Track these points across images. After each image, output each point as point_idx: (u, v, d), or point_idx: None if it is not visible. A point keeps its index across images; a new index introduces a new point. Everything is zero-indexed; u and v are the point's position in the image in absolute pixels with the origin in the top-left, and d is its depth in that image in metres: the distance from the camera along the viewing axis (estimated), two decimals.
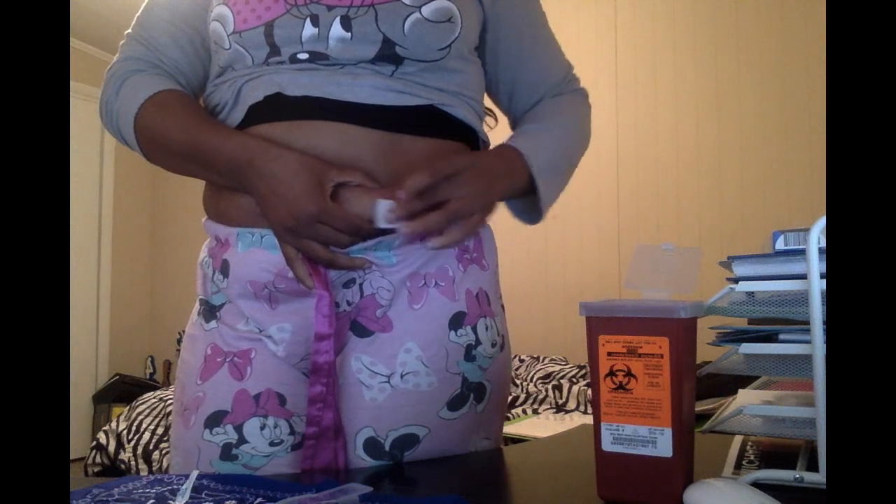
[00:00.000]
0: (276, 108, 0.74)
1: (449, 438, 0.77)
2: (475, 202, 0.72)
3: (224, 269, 0.78)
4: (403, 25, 0.73)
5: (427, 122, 0.76)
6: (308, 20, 0.73)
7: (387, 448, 0.74)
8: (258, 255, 0.75)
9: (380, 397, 0.75)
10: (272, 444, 0.74)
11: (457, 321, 0.78)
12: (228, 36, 0.75)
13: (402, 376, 0.75)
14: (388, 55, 0.74)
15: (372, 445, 0.75)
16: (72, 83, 4.09)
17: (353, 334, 0.77)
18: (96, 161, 4.43)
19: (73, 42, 4.22)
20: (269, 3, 0.74)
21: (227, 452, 0.73)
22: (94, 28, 4.11)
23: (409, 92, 0.75)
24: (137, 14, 0.86)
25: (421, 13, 0.73)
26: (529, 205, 0.86)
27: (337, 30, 0.73)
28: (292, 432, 0.75)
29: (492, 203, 0.76)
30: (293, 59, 0.74)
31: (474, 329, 0.79)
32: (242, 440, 0.73)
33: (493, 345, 0.81)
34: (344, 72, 0.74)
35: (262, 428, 0.74)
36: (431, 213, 0.69)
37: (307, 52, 0.74)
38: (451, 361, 0.77)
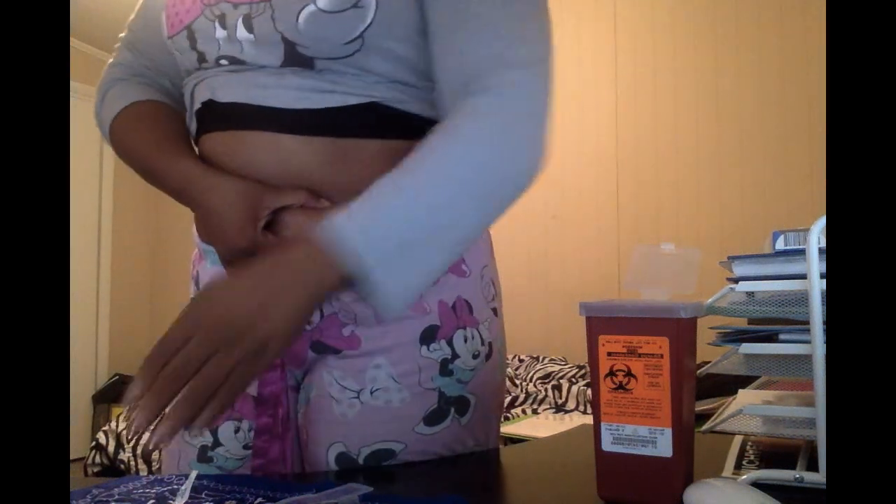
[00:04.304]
0: (211, 115, 0.70)
1: (431, 451, 0.73)
2: (226, 360, 0.54)
3: (197, 281, 0.80)
4: (297, 20, 0.63)
5: (371, 121, 0.68)
6: (217, 21, 0.67)
7: (360, 463, 0.72)
8: (219, 272, 0.74)
9: (349, 413, 0.72)
10: (246, 447, 0.74)
11: (429, 335, 0.72)
12: (167, 42, 0.73)
13: (371, 392, 0.72)
14: (294, 57, 0.65)
15: (344, 461, 0.72)
16: (72, 83, 4.08)
17: (317, 353, 0.74)
18: (96, 161, 4.43)
19: (73, 42, 4.22)
20: (189, 5, 0.69)
21: (203, 454, 0.74)
22: (94, 28, 4.11)
23: (342, 90, 0.66)
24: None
25: (316, 4, 0.63)
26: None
27: (241, 31, 0.66)
28: None
29: (264, 339, 0.55)
30: (218, 64, 0.69)
31: (450, 342, 0.73)
32: (217, 443, 0.74)
33: (475, 356, 0.75)
34: (266, 73, 0.66)
35: (237, 431, 0.74)
36: (177, 400, 0.53)
37: (224, 56, 0.68)
38: (424, 377, 0.72)
